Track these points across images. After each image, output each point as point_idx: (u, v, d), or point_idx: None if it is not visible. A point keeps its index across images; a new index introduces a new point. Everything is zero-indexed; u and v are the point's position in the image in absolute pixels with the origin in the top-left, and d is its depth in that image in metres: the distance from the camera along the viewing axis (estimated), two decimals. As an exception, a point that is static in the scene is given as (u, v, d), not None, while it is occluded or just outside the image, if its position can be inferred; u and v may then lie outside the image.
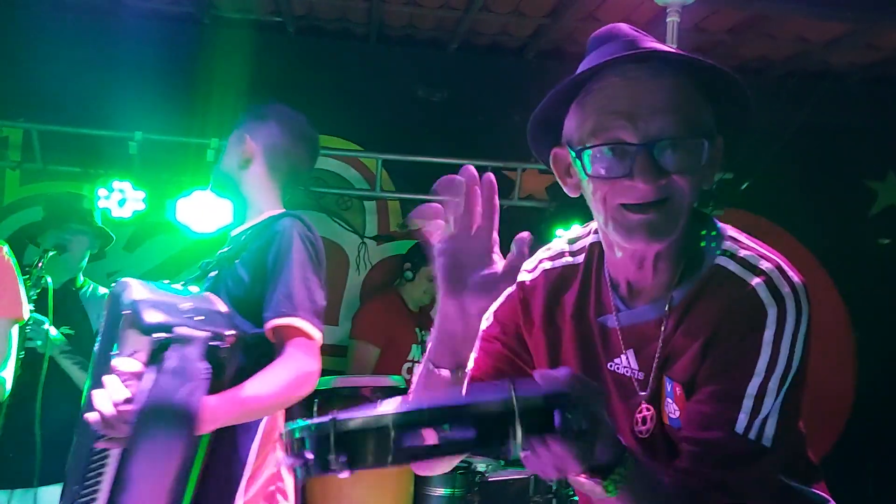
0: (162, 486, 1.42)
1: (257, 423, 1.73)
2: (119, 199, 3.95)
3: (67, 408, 2.34)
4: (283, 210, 2.01)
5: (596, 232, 1.21)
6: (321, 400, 2.74)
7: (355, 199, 4.77)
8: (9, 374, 1.73)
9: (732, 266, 1.09)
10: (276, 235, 1.84)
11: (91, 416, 1.44)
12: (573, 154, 1.09)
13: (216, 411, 1.54)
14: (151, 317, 1.47)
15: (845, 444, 4.71)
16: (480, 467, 3.13)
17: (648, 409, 1.13)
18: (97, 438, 1.46)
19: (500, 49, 4.77)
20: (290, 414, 1.74)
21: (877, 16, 3.71)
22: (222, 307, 1.64)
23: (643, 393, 1.13)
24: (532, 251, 1.12)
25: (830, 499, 1.23)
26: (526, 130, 1.16)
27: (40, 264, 2.37)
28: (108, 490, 1.45)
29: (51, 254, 2.48)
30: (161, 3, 4.45)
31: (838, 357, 4.82)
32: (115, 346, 1.56)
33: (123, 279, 1.59)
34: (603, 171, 1.05)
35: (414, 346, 3.77)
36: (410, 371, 3.61)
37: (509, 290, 1.12)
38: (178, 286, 1.74)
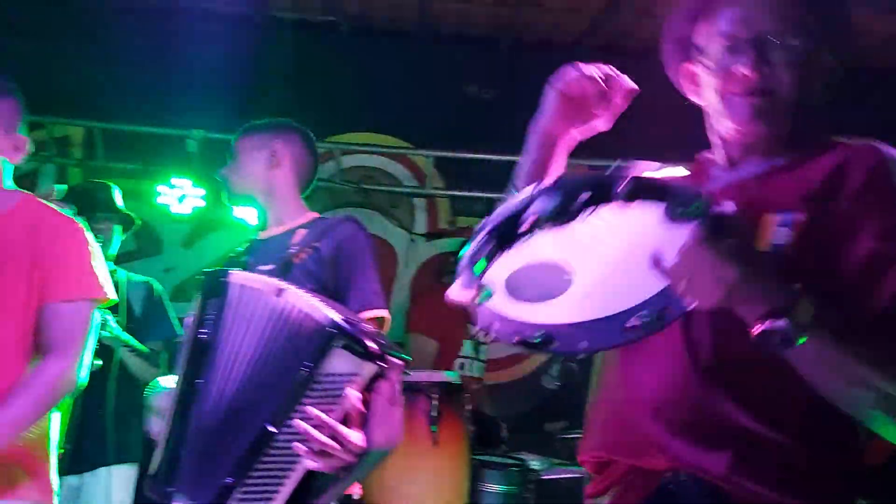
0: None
1: None
2: (179, 196, 4.05)
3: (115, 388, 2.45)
4: (314, 213, 2.07)
5: None
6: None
7: (404, 196, 4.80)
8: (88, 359, 1.78)
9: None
10: (347, 233, 1.90)
11: (301, 447, 1.38)
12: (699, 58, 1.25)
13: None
14: (372, 344, 1.43)
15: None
16: (535, 465, 3.14)
17: None
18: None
19: (553, 45, 4.75)
20: None
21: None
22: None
23: None
24: None
25: None
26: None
27: None
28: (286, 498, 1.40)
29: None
30: (218, 4, 4.55)
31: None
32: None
33: (232, 272, 1.59)
34: (718, 64, 1.21)
35: (466, 341, 3.78)
36: (462, 367, 3.62)
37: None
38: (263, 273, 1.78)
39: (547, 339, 0.98)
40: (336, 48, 4.79)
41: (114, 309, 2.60)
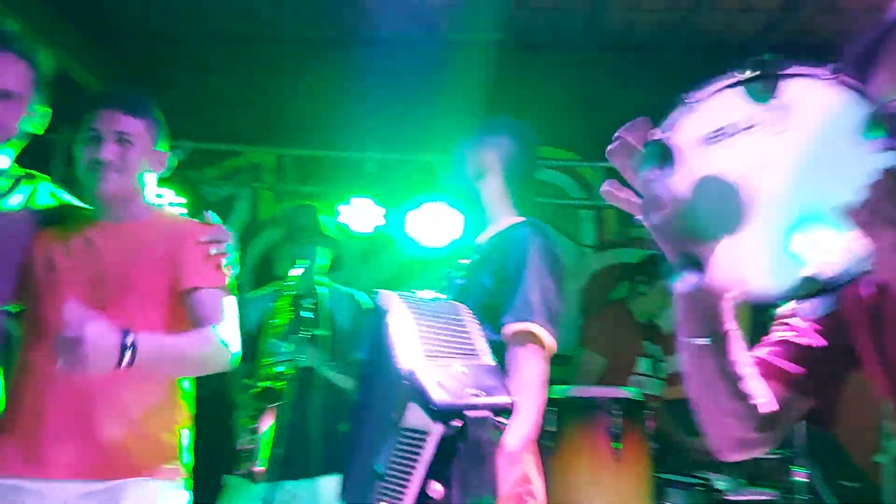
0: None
1: None
2: (358, 214, 4.29)
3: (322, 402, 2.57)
4: (521, 217, 2.09)
5: None
6: (559, 409, 2.79)
7: (569, 208, 4.80)
8: (233, 340, 1.92)
9: None
10: (516, 242, 1.93)
11: None
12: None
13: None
14: (439, 396, 1.36)
15: None
16: (721, 485, 3.03)
17: None
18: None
19: (724, 47, 4.58)
20: None
21: None
22: (483, 346, 1.55)
23: None
24: None
25: None
26: None
27: (290, 275, 2.55)
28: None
29: (296, 266, 2.65)
30: (390, 31, 4.77)
31: None
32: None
33: (383, 291, 1.64)
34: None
35: (642, 359, 3.71)
36: (640, 384, 3.56)
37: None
38: (426, 294, 1.81)
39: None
40: (503, 64, 4.88)
41: (316, 322, 2.76)
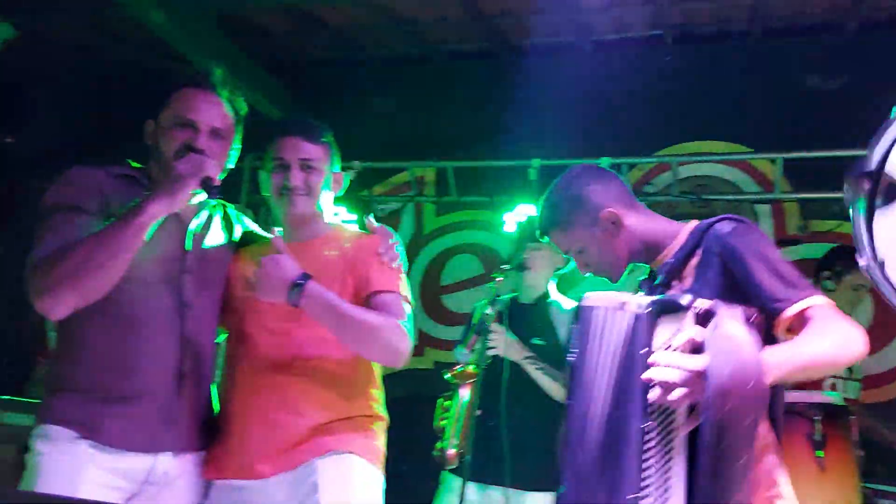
0: (748, 468, 1.37)
1: None
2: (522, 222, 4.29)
3: (529, 412, 2.54)
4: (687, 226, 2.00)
5: None
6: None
7: (745, 204, 4.54)
8: (409, 338, 1.98)
9: None
10: (717, 236, 1.78)
11: (654, 395, 1.41)
12: None
13: (778, 367, 1.45)
14: (683, 299, 1.47)
15: None
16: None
17: None
18: (655, 429, 1.44)
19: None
20: None
21: None
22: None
23: None
24: None
25: None
26: None
27: (499, 281, 2.57)
28: (685, 483, 1.38)
29: (506, 270, 2.66)
30: (546, 37, 4.76)
31: None
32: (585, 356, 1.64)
33: (588, 293, 1.68)
34: None
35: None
36: (834, 387, 3.30)
37: None
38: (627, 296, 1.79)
39: None
40: (660, 60, 4.73)
41: (549, 333, 2.76)
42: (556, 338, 2.87)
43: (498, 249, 4.86)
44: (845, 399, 3.03)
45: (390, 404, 2.14)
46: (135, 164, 2.02)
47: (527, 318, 2.85)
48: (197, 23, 4.29)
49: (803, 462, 2.63)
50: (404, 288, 2.05)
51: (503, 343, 2.56)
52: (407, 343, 1.93)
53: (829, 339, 1.52)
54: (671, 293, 1.73)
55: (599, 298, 1.67)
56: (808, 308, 1.57)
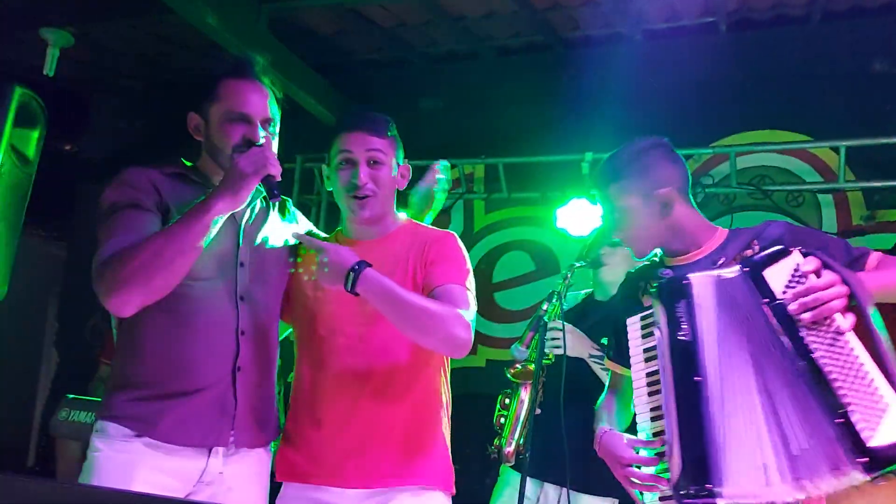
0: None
1: None
2: (577, 217, 4.24)
3: (588, 413, 2.47)
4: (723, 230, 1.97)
5: None
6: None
7: (807, 194, 4.40)
8: (471, 327, 1.95)
9: None
10: (776, 234, 1.81)
11: (808, 316, 1.56)
12: None
13: (870, 278, 1.67)
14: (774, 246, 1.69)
15: None
16: None
17: None
18: None
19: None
20: None
21: None
22: None
23: None
24: None
25: None
26: None
27: (567, 277, 2.51)
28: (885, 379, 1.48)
29: (575, 266, 2.58)
30: (597, 30, 4.69)
31: None
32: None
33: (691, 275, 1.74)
34: None
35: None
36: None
37: None
38: None
39: None
40: (714, 49, 4.61)
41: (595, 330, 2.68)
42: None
43: (550, 246, 4.81)
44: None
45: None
46: (187, 163, 2.02)
47: (602, 315, 2.76)
48: (248, 25, 4.35)
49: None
50: (470, 282, 2.02)
51: (568, 340, 2.47)
52: (468, 332, 1.89)
53: None
54: None
55: (704, 276, 1.72)
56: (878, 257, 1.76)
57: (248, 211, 1.99)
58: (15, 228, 2.96)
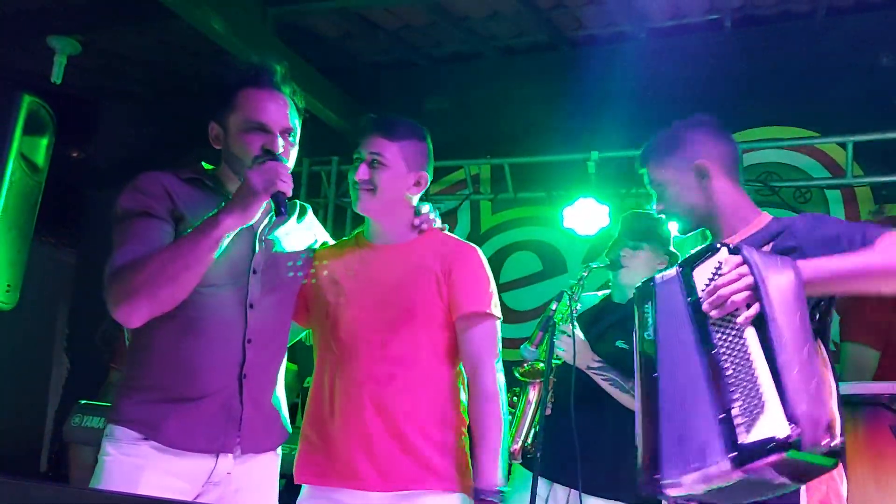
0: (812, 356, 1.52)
1: None
2: (584, 216, 4.24)
3: (596, 416, 2.47)
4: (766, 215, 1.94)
5: None
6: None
7: (815, 190, 4.38)
8: (499, 366, 1.97)
9: None
10: (804, 227, 1.80)
11: (715, 311, 1.58)
12: None
13: (807, 267, 1.60)
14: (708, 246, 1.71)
15: None
16: None
17: None
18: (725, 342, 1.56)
19: None
20: None
21: None
22: None
23: None
24: None
25: None
26: None
27: (581, 279, 2.49)
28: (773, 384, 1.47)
29: (592, 267, 2.56)
30: (602, 29, 4.69)
31: None
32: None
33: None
34: None
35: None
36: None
37: None
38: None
39: None
40: (719, 46, 4.61)
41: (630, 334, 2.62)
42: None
43: (556, 246, 4.82)
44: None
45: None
46: (207, 167, 2.02)
47: (617, 318, 2.74)
48: (255, 30, 4.37)
49: (888, 454, 2.53)
50: (495, 305, 2.01)
51: (571, 349, 2.45)
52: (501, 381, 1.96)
53: (882, 253, 1.60)
54: None
55: (666, 276, 1.76)
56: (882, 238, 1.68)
57: (265, 216, 1.98)
58: (26, 236, 2.99)
